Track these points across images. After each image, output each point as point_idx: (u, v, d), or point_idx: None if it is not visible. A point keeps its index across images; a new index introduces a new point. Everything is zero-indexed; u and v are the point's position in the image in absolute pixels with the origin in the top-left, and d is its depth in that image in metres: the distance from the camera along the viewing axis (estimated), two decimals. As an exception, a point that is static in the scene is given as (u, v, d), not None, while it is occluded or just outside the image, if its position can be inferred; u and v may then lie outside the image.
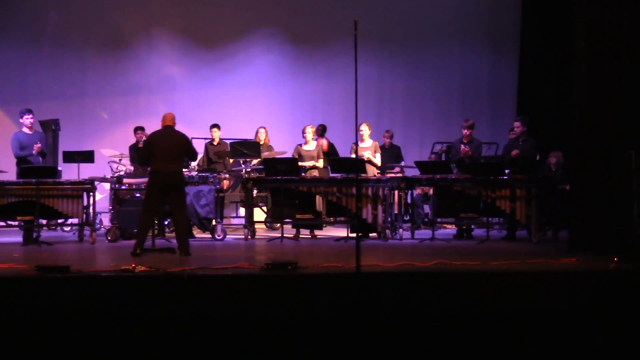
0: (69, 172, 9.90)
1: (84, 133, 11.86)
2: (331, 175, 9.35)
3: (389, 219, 8.81)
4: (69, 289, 5.33)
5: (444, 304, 5.45)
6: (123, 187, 8.87)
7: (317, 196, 8.85)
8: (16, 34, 12.12)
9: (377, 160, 9.57)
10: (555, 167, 9.61)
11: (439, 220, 9.30)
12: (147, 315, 5.22)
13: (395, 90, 12.59)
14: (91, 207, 8.73)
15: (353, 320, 5.24)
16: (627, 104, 6.86)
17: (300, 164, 9.23)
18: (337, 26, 11.73)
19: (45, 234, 9.15)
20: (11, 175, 8.99)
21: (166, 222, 8.67)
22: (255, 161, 9.75)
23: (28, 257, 6.96)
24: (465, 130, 9.32)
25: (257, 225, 9.36)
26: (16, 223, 8.87)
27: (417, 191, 9.94)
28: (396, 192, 9.06)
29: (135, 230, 7.38)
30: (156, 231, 7.85)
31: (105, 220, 10.09)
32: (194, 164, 9.32)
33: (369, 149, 9.50)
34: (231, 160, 10.22)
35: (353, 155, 9.30)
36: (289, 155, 9.75)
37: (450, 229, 10.11)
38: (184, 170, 8.64)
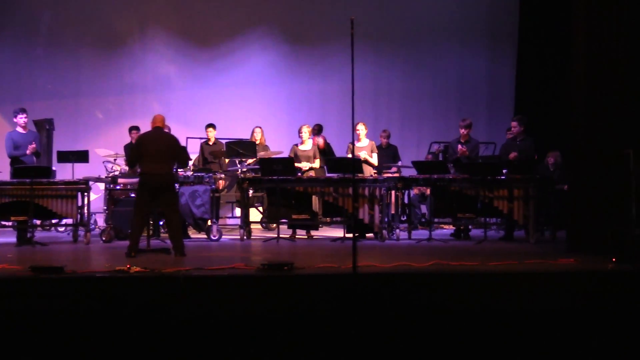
0: (64, 172, 9.86)
1: (78, 133, 11.82)
2: (327, 175, 9.31)
3: (386, 219, 8.79)
4: (64, 290, 5.31)
5: (441, 305, 5.43)
6: (118, 187, 8.83)
7: (314, 196, 8.85)
8: (10, 33, 12.05)
9: (374, 160, 9.54)
10: (553, 167, 9.59)
11: (436, 220, 9.29)
12: (143, 317, 5.19)
13: (392, 90, 12.56)
14: (86, 208, 8.68)
15: (350, 321, 5.22)
16: (626, 103, 6.86)
17: (296, 164, 9.20)
18: (334, 25, 11.68)
19: (39, 234, 9.12)
20: (5, 175, 8.97)
21: (161, 223, 8.63)
22: (250, 161, 9.71)
23: (22, 257, 6.94)
24: (463, 130, 9.29)
25: (253, 226, 9.35)
26: (10, 223, 8.82)
27: (414, 191, 9.92)
28: (393, 192, 9.04)
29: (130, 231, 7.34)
30: (151, 232, 7.82)
31: (100, 221, 10.05)
32: (190, 163, 9.27)
33: (365, 149, 9.47)
34: (227, 160, 10.20)
35: (349, 155, 9.26)
36: (285, 155, 9.73)
37: (448, 229, 10.08)
38: (179, 170, 8.63)
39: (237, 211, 10.11)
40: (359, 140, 9.48)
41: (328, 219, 9.28)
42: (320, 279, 5.60)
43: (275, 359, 5.15)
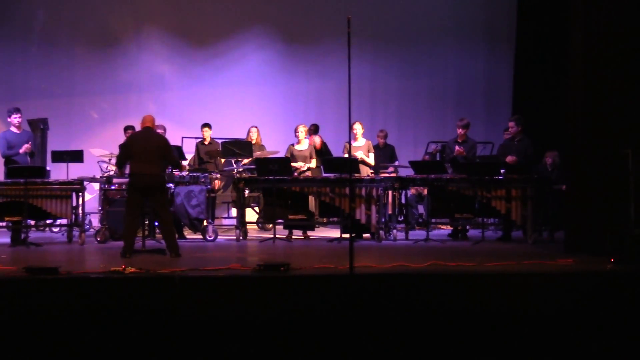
0: (58, 172, 9.84)
1: (73, 132, 11.77)
2: (324, 175, 9.28)
3: (383, 220, 8.77)
4: (58, 291, 5.29)
5: (438, 306, 5.40)
6: (113, 187, 8.79)
7: (310, 196, 8.81)
8: (4, 31, 11.99)
9: (371, 159, 9.51)
10: (551, 167, 9.56)
11: (433, 220, 9.27)
12: (138, 318, 5.16)
13: (389, 89, 12.53)
14: (80, 208, 8.65)
15: (346, 322, 5.20)
16: (624, 103, 6.85)
17: (292, 164, 9.16)
18: (330, 24, 11.65)
19: (33, 234, 9.11)
20: (-1, 175, 8.91)
21: (156, 223, 8.57)
22: (246, 160, 9.68)
23: (16, 258, 6.92)
24: (460, 130, 9.27)
25: (249, 226, 9.32)
26: (4, 224, 8.83)
27: (412, 191, 9.90)
28: (390, 192, 9.03)
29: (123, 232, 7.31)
30: (146, 232, 7.78)
31: (95, 221, 10.00)
32: (184, 163, 9.24)
33: (362, 148, 9.44)
34: (223, 160, 10.16)
35: (346, 155, 9.23)
36: (281, 155, 9.70)
37: (445, 230, 10.06)
38: (175, 171, 8.59)
39: (233, 211, 10.08)
40: (355, 139, 9.45)
41: (325, 220, 9.28)
42: (317, 280, 5.58)
43: (272, 360, 5.12)
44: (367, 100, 12.25)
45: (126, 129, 10.28)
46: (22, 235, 8.23)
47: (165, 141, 7.40)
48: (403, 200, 9.58)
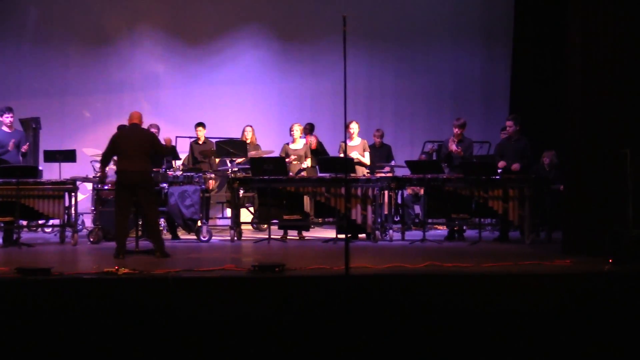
0: (50, 171, 9.80)
1: (65, 132, 11.73)
2: (319, 175, 9.23)
3: (379, 220, 8.74)
4: (50, 292, 5.27)
5: (435, 306, 5.39)
6: (106, 188, 8.73)
7: (305, 196, 8.82)
8: (-5, 29, 11.92)
9: (366, 159, 9.46)
10: (549, 166, 9.54)
11: (429, 221, 9.23)
12: (131, 319, 5.14)
13: (386, 88, 12.50)
14: (73, 208, 8.62)
15: (342, 323, 5.19)
16: (622, 102, 6.86)
17: (287, 160, 9.12)
18: (326, 22, 11.60)
19: (25, 235, 9.10)
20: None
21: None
22: (241, 160, 9.63)
23: (8, 259, 6.90)
24: (457, 129, 9.22)
25: (243, 227, 9.29)
26: (-5, 224, 8.72)
27: (408, 191, 9.86)
28: (386, 192, 9.01)
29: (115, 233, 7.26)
30: (140, 232, 7.71)
31: (88, 221, 9.96)
32: (178, 163, 9.18)
33: (357, 147, 9.40)
34: (217, 160, 10.12)
35: (342, 154, 9.19)
36: (276, 154, 9.67)
37: (442, 230, 10.03)
38: (169, 171, 8.53)
39: (228, 211, 10.05)
40: (351, 139, 9.41)
41: (320, 220, 9.27)
42: (312, 281, 5.57)
43: (267, 361, 5.10)
44: (363, 99, 12.21)
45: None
46: (14, 236, 8.19)
47: (152, 134, 7.41)
48: (399, 200, 9.56)
